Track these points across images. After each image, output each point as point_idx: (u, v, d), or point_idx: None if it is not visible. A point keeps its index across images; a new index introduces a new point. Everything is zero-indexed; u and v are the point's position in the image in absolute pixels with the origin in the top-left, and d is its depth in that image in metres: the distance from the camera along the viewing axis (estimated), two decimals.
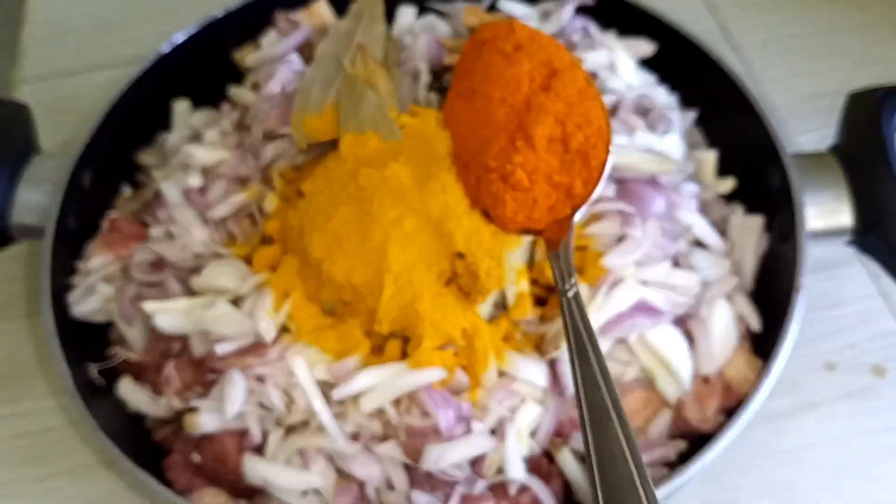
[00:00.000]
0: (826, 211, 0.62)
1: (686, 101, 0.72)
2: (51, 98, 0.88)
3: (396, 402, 0.55)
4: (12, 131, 0.67)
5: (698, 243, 0.64)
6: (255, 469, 0.55)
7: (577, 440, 0.57)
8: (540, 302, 0.58)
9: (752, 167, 0.66)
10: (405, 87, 0.66)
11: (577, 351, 0.48)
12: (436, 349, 0.55)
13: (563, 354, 0.55)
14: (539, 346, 0.57)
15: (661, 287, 0.58)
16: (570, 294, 0.49)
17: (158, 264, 0.63)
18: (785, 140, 0.65)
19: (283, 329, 0.57)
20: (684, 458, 0.55)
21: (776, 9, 0.93)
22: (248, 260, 0.61)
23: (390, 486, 0.55)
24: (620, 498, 0.43)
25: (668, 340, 0.57)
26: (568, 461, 0.56)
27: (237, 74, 0.72)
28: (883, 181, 0.60)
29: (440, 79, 0.67)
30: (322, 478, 0.55)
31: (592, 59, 0.67)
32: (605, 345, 0.57)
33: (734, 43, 0.90)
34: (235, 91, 0.71)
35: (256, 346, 0.56)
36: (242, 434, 0.56)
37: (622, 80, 0.68)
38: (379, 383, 0.54)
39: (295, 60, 0.68)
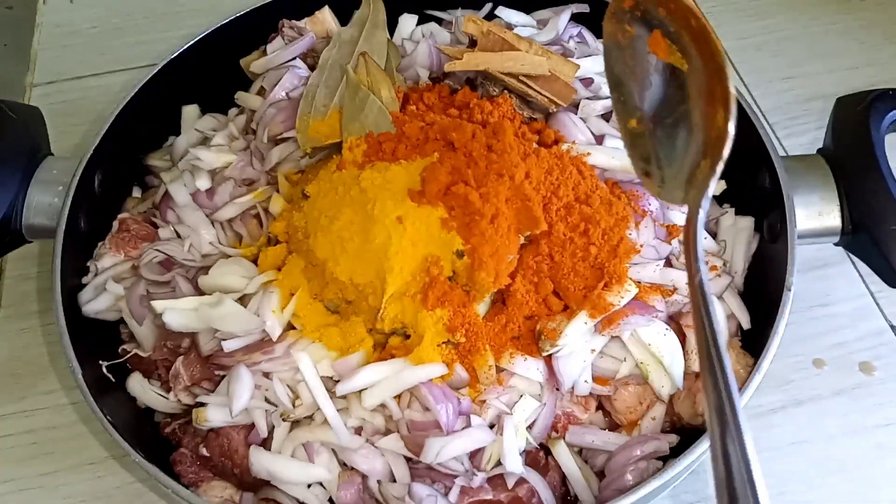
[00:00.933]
0: (815, 212, 0.63)
1: None
2: (61, 101, 0.89)
3: (398, 398, 0.56)
4: (24, 134, 0.68)
5: None
6: (262, 462, 0.56)
7: (572, 434, 0.58)
8: None
9: (743, 169, 0.67)
10: None
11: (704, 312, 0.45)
12: (436, 346, 0.56)
13: (560, 351, 0.57)
14: (537, 343, 0.59)
15: (655, 286, 0.60)
16: (696, 281, 0.45)
17: (167, 264, 0.64)
18: (775, 143, 0.66)
19: (289, 326, 0.59)
20: (677, 452, 0.56)
21: (768, 13, 0.94)
22: (254, 260, 0.63)
23: (392, 479, 0.56)
24: None
25: (660, 337, 0.58)
26: (564, 454, 0.58)
27: (244, 80, 0.74)
28: (871, 183, 0.62)
29: (440, 84, 0.69)
30: (326, 471, 0.56)
31: (588, 65, 0.69)
32: (600, 342, 0.58)
33: (726, 47, 0.91)
34: (242, 96, 0.72)
35: (263, 343, 0.58)
36: (249, 428, 0.58)
37: None
38: (381, 379, 0.55)
39: (300, 66, 0.69)
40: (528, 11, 0.74)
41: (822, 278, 0.75)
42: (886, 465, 0.66)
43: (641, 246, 0.59)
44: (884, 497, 0.65)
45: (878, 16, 0.93)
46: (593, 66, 0.69)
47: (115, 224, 0.68)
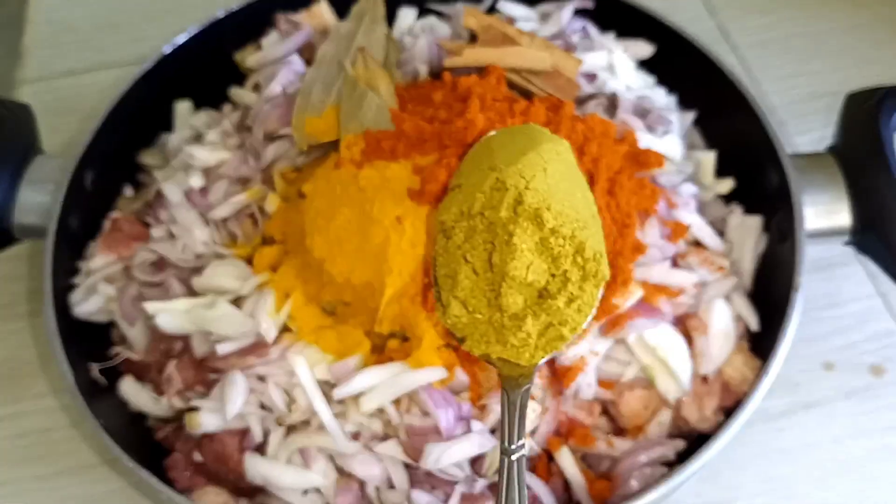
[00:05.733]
0: (824, 211, 0.62)
1: (685, 102, 0.72)
2: (52, 98, 0.88)
3: (397, 402, 0.55)
4: (14, 132, 0.67)
5: (697, 243, 0.64)
6: (257, 468, 0.55)
7: (576, 439, 0.57)
8: None
9: (751, 167, 0.67)
10: None
11: None
12: (436, 349, 0.55)
13: (563, 354, 0.56)
14: None
15: (661, 287, 0.59)
16: (516, 457, 0.45)
17: (160, 264, 0.63)
18: (783, 140, 0.65)
19: (284, 329, 0.58)
20: (683, 458, 0.55)
21: (775, 9, 0.93)
22: (248, 260, 0.61)
23: (391, 486, 0.55)
24: None
25: (666, 340, 0.57)
26: (567, 460, 0.57)
27: (238, 75, 0.73)
28: (881, 181, 0.61)
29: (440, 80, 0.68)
30: (323, 477, 0.55)
31: (591, 61, 0.68)
32: (604, 345, 0.57)
33: (733, 44, 0.90)
34: (237, 92, 0.71)
35: (257, 346, 0.56)
36: (243, 433, 0.57)
37: (621, 81, 0.68)
38: (379, 383, 0.54)
39: (296, 62, 0.68)
40: (530, 5, 0.73)
41: (831, 279, 0.74)
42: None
43: (646, 246, 0.58)
44: (892, 500, 0.64)
45: (887, 12, 0.92)
46: (597, 61, 0.68)
47: (107, 223, 0.67)
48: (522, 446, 0.46)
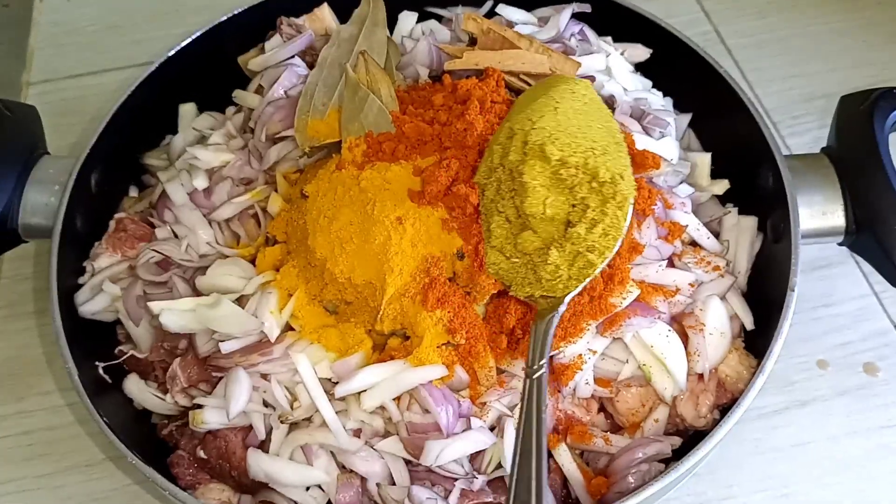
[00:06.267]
0: (819, 212, 0.63)
1: (681, 104, 0.73)
2: (58, 100, 0.89)
3: (397, 399, 0.56)
4: (21, 133, 0.68)
5: (693, 243, 0.65)
6: (259, 465, 0.56)
7: (574, 436, 0.58)
8: None
9: (747, 169, 0.67)
10: None
11: (524, 439, 0.48)
12: (436, 347, 0.56)
13: (561, 353, 0.56)
14: None
15: (657, 286, 0.60)
16: (536, 376, 0.50)
17: (164, 264, 0.64)
18: (779, 142, 0.66)
19: (287, 328, 0.58)
20: (680, 455, 0.55)
21: (771, 12, 0.94)
22: (252, 260, 0.62)
23: (391, 482, 0.56)
24: None
25: (663, 339, 0.58)
26: (565, 457, 0.57)
27: (242, 78, 0.73)
28: (875, 182, 0.61)
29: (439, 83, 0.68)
30: (324, 473, 0.56)
31: (589, 64, 0.68)
32: (602, 343, 0.58)
33: (729, 46, 0.91)
34: (240, 94, 0.72)
35: (261, 345, 0.57)
36: (247, 430, 0.57)
37: (618, 83, 0.69)
38: (380, 381, 0.55)
39: (298, 64, 0.69)
40: (528, 9, 0.74)
41: (826, 278, 0.74)
42: (890, 466, 0.65)
43: (643, 246, 0.59)
44: (887, 498, 0.64)
45: (880, 15, 0.93)
46: (594, 64, 0.69)
47: (112, 224, 0.68)
48: (543, 366, 0.50)
